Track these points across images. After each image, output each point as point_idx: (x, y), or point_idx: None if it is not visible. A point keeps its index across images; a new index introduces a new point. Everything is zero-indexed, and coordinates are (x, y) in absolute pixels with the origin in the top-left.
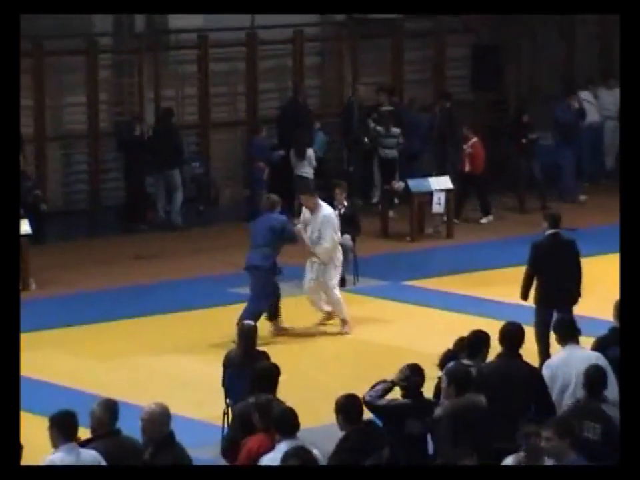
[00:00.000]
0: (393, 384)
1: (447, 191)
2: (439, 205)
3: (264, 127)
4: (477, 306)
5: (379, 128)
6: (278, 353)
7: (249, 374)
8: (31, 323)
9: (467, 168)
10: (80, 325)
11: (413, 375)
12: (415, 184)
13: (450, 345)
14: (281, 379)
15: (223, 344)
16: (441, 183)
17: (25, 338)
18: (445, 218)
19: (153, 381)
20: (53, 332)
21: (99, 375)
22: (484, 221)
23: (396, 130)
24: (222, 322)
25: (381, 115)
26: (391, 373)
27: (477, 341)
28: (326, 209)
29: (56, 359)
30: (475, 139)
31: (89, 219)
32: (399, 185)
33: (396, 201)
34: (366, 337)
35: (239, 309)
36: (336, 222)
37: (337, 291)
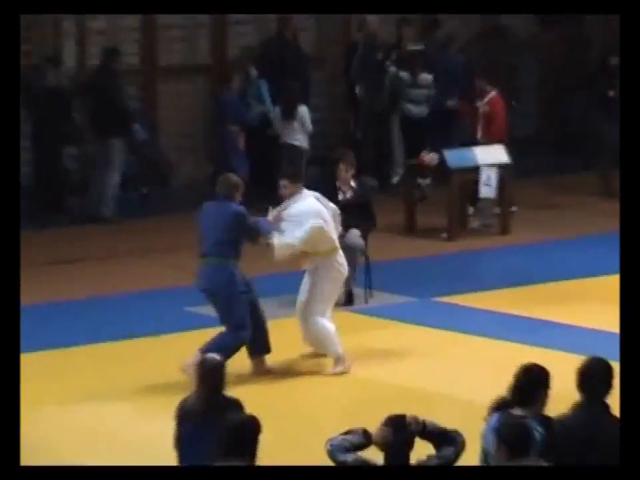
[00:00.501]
0: (367, 441)
1: (501, 167)
2: (488, 186)
3: (236, 74)
4: (541, 332)
5: (401, 74)
6: (255, 400)
7: (213, 430)
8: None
9: (480, 134)
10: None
11: (395, 433)
12: (454, 156)
13: (503, 389)
14: (262, 438)
15: (176, 386)
16: (491, 155)
17: None
18: (496, 207)
19: (73, 438)
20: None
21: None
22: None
23: (426, 77)
24: (174, 355)
25: (404, 56)
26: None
27: (531, 380)
28: (308, 202)
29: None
30: (493, 93)
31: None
32: (430, 157)
33: (426, 181)
34: (381, 376)
35: (200, 336)
36: (322, 215)
37: (322, 323)
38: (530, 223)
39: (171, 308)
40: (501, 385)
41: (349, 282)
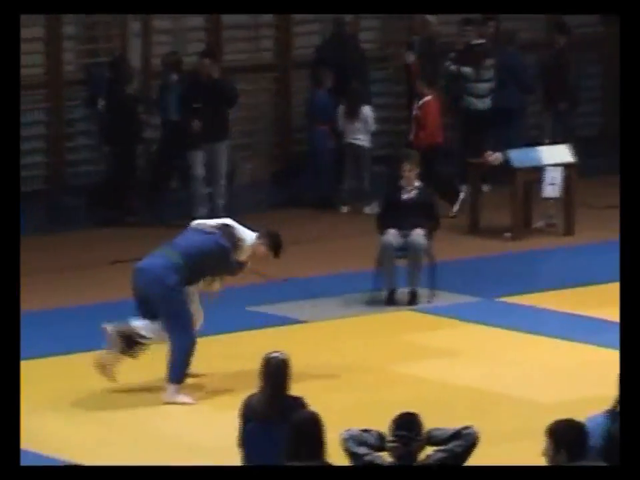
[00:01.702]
0: (381, 445)
1: (566, 166)
2: (552, 186)
3: (329, 74)
4: (605, 333)
5: (464, 69)
6: (318, 399)
7: (278, 429)
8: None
9: (412, 137)
10: (30, 359)
11: (400, 430)
12: (518, 155)
13: (566, 389)
14: (328, 437)
15: (240, 384)
16: (556, 155)
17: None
18: (557, 209)
19: (135, 440)
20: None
21: (56, 432)
22: (456, 208)
23: (489, 71)
24: (236, 354)
25: (468, 51)
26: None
27: None
28: None
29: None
30: (428, 97)
31: (46, 204)
32: (495, 156)
33: (484, 189)
34: (443, 376)
35: (262, 335)
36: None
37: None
38: (594, 223)
39: (232, 308)
40: (563, 385)
41: (413, 281)
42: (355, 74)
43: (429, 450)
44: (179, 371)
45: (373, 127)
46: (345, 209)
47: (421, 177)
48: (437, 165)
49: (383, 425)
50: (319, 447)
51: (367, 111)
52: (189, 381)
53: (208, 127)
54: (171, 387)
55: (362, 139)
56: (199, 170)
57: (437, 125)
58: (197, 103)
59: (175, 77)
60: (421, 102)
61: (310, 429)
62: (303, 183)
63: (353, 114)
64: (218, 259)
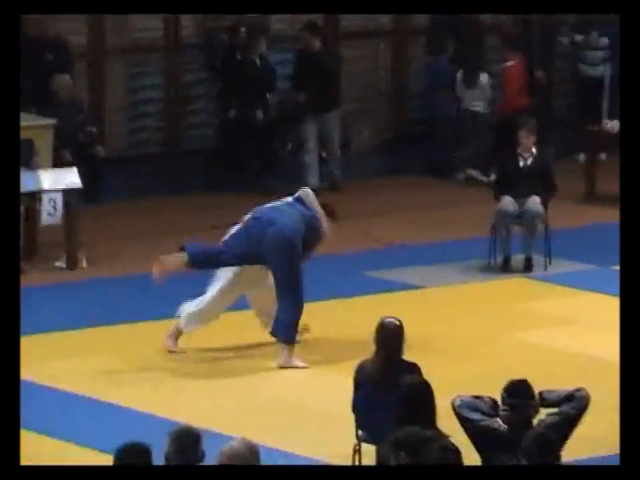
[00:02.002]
0: (494, 412)
1: None
2: None
3: (451, 41)
4: None
5: (577, 37)
6: (432, 365)
7: (391, 394)
8: (77, 315)
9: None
10: (147, 321)
11: (512, 397)
12: None
13: None
14: (440, 405)
15: (355, 349)
16: None
17: (65, 336)
18: None
19: (253, 406)
20: (106, 329)
21: (171, 397)
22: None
23: (602, 39)
24: (353, 318)
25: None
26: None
27: None
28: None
29: (114, 368)
30: (511, 62)
31: (163, 168)
32: (612, 124)
33: (602, 157)
34: (558, 343)
35: (379, 300)
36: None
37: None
38: None
39: (350, 273)
40: None
41: (528, 248)
42: (471, 41)
43: (541, 414)
44: (292, 332)
45: (489, 93)
46: (461, 176)
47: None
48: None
49: (497, 393)
50: (430, 413)
51: (484, 78)
52: (307, 345)
53: (315, 98)
54: (285, 350)
55: (480, 106)
56: (312, 142)
57: (519, 91)
58: (301, 75)
59: None
60: (503, 66)
61: (421, 395)
62: (421, 150)
63: (471, 81)
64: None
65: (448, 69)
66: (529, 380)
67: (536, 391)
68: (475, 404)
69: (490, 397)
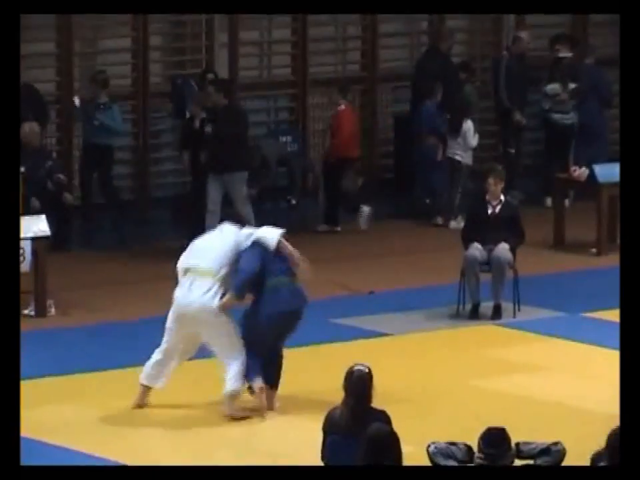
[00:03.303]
0: (469, 459)
1: None
2: None
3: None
4: None
5: (552, 86)
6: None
7: (360, 442)
8: (47, 363)
9: (330, 152)
10: (117, 369)
11: (488, 447)
12: (603, 171)
13: None
14: (407, 451)
15: (322, 398)
16: None
17: (35, 385)
18: None
19: (221, 454)
20: (76, 377)
21: (143, 445)
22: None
23: (574, 86)
24: (319, 366)
25: (557, 67)
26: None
27: None
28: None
29: (82, 417)
30: (342, 107)
31: (134, 214)
32: (580, 171)
33: (566, 202)
34: (527, 390)
35: (346, 348)
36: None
37: None
38: None
39: (317, 320)
40: None
41: (497, 295)
42: (452, 88)
43: (517, 463)
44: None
45: (473, 142)
46: (439, 221)
47: (326, 189)
48: (345, 178)
49: (467, 440)
50: (395, 462)
51: (467, 125)
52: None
53: (216, 158)
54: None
55: (460, 155)
56: (210, 202)
57: (351, 137)
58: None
59: (103, 97)
60: (335, 111)
61: (386, 443)
62: (390, 196)
63: (454, 129)
64: None
65: (436, 113)
66: (503, 427)
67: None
68: (449, 451)
69: (464, 444)
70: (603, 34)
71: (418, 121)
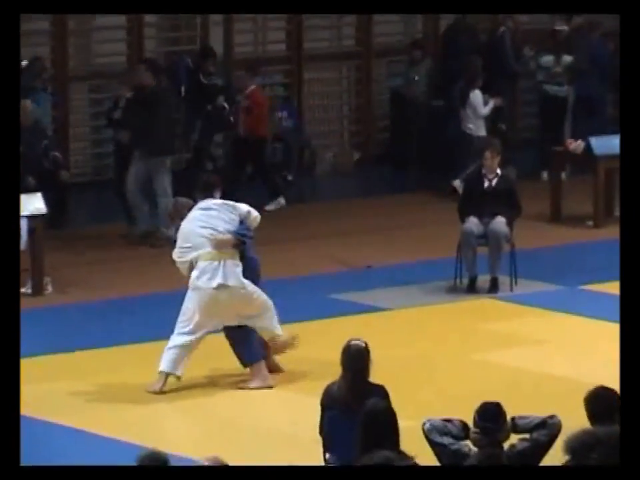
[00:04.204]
0: (465, 435)
1: None
2: None
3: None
4: None
5: (545, 58)
6: (395, 387)
7: (357, 417)
8: (44, 341)
9: (242, 130)
10: (115, 346)
11: (484, 421)
12: (599, 143)
13: None
14: (406, 425)
15: (320, 373)
16: None
17: (32, 363)
18: None
19: (219, 429)
20: (74, 355)
21: (142, 422)
22: (270, 207)
23: (567, 58)
24: (317, 342)
25: (550, 38)
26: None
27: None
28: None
29: (80, 394)
30: (253, 86)
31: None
32: (577, 144)
33: (563, 175)
34: (525, 364)
35: (345, 323)
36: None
37: (172, 342)
38: None
39: (315, 295)
40: None
41: (494, 269)
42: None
43: (513, 439)
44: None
45: (483, 111)
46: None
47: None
48: (264, 156)
49: (465, 414)
50: (393, 436)
51: (474, 96)
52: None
53: (140, 140)
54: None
55: (471, 128)
56: (131, 184)
57: (263, 116)
58: (130, 113)
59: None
60: (247, 91)
61: (383, 418)
62: (386, 172)
63: (461, 102)
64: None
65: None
66: (498, 401)
67: (508, 414)
68: (444, 427)
69: (460, 420)
70: None
71: (450, 97)
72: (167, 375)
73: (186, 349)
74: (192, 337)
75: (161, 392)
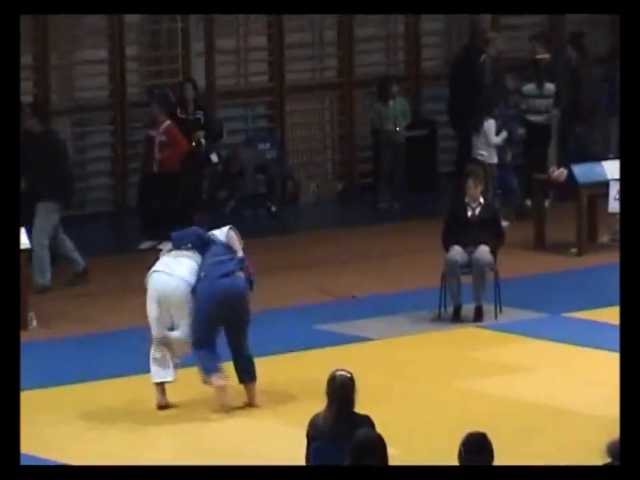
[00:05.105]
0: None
1: None
2: (618, 200)
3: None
4: None
5: (527, 86)
6: (381, 415)
7: (343, 448)
8: (30, 376)
9: (156, 167)
10: (100, 380)
11: (470, 454)
12: (582, 171)
13: None
14: (391, 454)
15: (306, 403)
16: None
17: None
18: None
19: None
20: (59, 390)
21: (127, 452)
22: (144, 245)
23: (550, 86)
24: (303, 372)
25: (532, 66)
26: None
27: None
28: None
29: (64, 430)
30: (168, 122)
31: (111, 225)
32: (559, 172)
33: (546, 203)
34: (510, 391)
35: (329, 353)
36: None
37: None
38: None
39: (299, 326)
40: None
41: (478, 298)
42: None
43: None
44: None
45: (493, 140)
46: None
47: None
48: (176, 193)
49: (450, 443)
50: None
51: (487, 124)
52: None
53: (35, 185)
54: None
55: (482, 154)
56: (35, 234)
57: (177, 152)
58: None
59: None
60: (163, 127)
61: (373, 448)
62: (369, 201)
63: (474, 129)
64: None
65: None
66: (484, 432)
67: (493, 443)
68: None
69: None
70: (590, 33)
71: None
72: (160, 384)
73: (162, 349)
74: (159, 335)
75: (167, 405)
